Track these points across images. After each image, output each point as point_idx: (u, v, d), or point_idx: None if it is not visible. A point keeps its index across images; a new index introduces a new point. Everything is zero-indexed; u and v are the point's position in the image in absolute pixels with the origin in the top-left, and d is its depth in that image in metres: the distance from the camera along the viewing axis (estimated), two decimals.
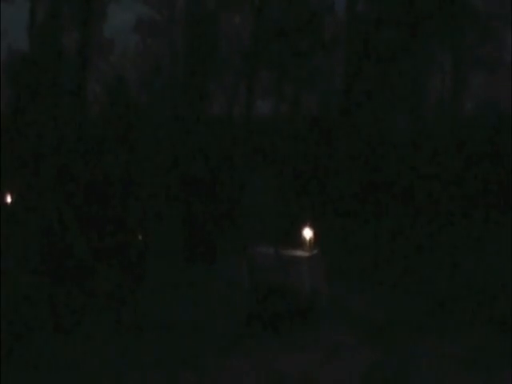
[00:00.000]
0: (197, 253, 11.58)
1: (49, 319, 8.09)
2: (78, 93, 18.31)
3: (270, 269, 9.06)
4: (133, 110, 17.76)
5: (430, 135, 17.09)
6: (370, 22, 17.74)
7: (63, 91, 18.01)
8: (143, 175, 12.78)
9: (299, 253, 9.37)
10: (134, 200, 8.74)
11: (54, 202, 8.17)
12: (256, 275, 9.08)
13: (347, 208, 14.22)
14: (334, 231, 12.64)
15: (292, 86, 19.35)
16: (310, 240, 9.41)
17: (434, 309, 9.48)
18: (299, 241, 9.43)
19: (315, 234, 9.43)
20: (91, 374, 7.02)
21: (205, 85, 18.76)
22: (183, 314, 9.05)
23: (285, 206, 12.74)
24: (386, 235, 13.02)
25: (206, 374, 7.16)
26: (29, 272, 8.30)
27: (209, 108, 18.91)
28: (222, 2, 19.34)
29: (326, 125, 16.79)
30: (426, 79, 18.17)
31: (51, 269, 8.33)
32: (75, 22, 19.41)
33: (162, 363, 7.38)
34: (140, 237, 8.56)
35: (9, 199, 11.23)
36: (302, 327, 8.63)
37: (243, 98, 18.98)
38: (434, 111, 18.46)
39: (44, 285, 8.23)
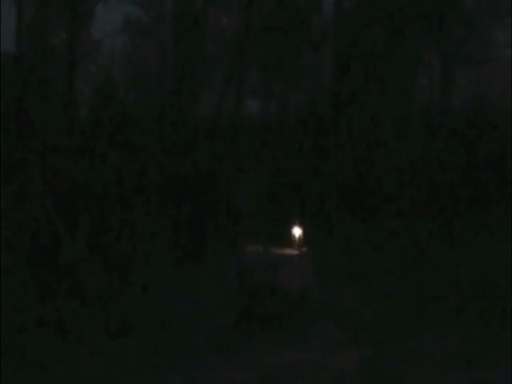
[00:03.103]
0: (185, 252, 11.54)
1: (37, 320, 8.05)
2: (66, 94, 18.23)
3: (259, 267, 9.04)
4: (121, 111, 17.70)
5: (419, 132, 17.11)
6: (358, 20, 17.76)
7: (51, 92, 17.94)
8: (132, 175, 12.73)
9: (289, 251, 9.36)
10: (122, 200, 8.72)
11: (41, 204, 8.13)
12: (245, 274, 9.06)
13: (337, 206, 14.22)
14: (323, 230, 12.64)
15: (281, 85, 19.35)
16: (299, 238, 9.41)
17: (424, 307, 9.48)
18: (289, 239, 9.42)
19: (304, 232, 9.42)
20: (82, 374, 6.98)
21: (193, 84, 18.71)
22: (172, 313, 9.02)
23: (274, 205, 12.73)
24: (376, 234, 13.02)
25: (195, 374, 7.13)
26: (17, 273, 8.26)
27: (197, 107, 18.86)
28: (210, 1, 19.30)
29: (315, 123, 16.79)
30: (414, 76, 18.20)
31: (39, 270, 8.28)
32: (63, 23, 19.35)
33: (151, 364, 7.34)
34: (128, 237, 8.53)
35: None
36: (292, 326, 8.61)
37: (232, 97, 18.95)
38: (422, 108, 18.49)
39: (31, 286, 8.18)
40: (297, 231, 9.42)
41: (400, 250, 12.17)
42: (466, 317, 8.98)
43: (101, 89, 18.58)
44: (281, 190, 13.91)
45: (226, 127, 17.42)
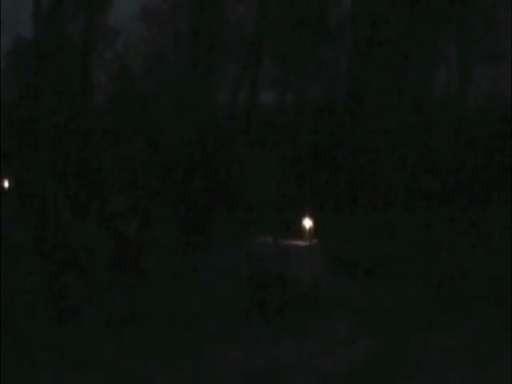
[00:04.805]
0: (195, 241, 11.58)
1: (45, 308, 8.11)
2: (82, 81, 18.29)
3: (269, 258, 9.05)
4: (137, 98, 17.77)
5: (436, 126, 17.04)
6: (376, 13, 17.65)
7: (68, 79, 18.02)
8: (146, 163, 12.78)
9: (298, 242, 9.35)
10: (134, 188, 8.75)
11: (50, 189, 8.17)
12: (255, 264, 9.08)
13: (347, 198, 14.20)
14: (333, 221, 12.63)
15: (297, 76, 19.28)
16: (309, 229, 9.40)
17: (433, 298, 9.49)
18: (299, 230, 9.42)
19: (315, 223, 9.41)
20: (89, 363, 7.04)
21: (209, 73, 18.71)
22: (182, 302, 9.08)
23: (285, 196, 12.72)
24: (385, 225, 12.99)
25: (204, 362, 7.17)
26: (26, 260, 8.32)
27: (213, 96, 18.85)
28: None
29: (329, 115, 16.76)
30: (432, 70, 18.09)
31: (47, 257, 8.34)
32: (80, 10, 19.38)
33: (161, 352, 7.39)
34: (137, 226, 8.56)
35: (6, 184, 11.17)
36: (301, 316, 8.63)
37: (248, 86, 18.92)
38: (439, 102, 18.38)
39: (40, 274, 8.24)
40: (307, 222, 9.42)
41: (411, 243, 12.15)
42: (473, 309, 8.98)
43: (117, 76, 18.63)
44: (292, 181, 13.90)
45: (240, 116, 17.44)
